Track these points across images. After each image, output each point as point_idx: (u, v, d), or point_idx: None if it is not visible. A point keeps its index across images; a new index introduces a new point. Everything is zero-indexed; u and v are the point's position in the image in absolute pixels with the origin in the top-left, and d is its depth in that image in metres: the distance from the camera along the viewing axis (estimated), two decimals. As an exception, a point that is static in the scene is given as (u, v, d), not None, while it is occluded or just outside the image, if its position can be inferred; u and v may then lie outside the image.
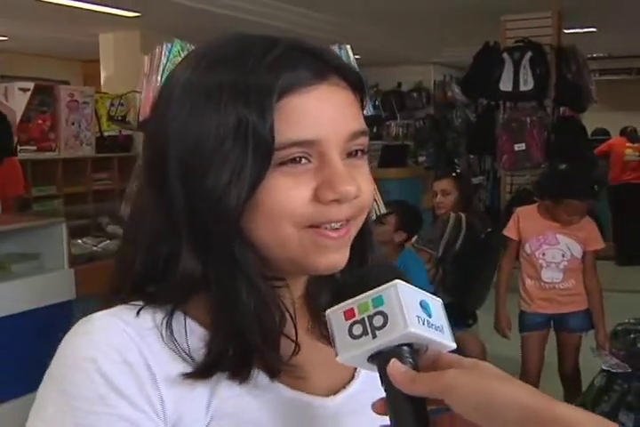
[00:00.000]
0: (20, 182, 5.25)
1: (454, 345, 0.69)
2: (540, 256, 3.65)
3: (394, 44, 9.89)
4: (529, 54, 6.80)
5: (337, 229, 0.74)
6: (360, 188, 0.73)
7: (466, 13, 7.66)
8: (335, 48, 2.24)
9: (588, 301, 3.70)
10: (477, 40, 7.39)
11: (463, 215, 4.48)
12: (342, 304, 0.69)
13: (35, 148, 6.50)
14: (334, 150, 0.72)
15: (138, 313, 0.72)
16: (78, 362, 0.68)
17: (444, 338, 0.68)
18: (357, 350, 0.67)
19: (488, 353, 4.12)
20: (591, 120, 8.71)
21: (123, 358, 0.69)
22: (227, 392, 0.72)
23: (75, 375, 0.68)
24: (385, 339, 0.66)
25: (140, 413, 0.68)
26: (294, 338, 0.77)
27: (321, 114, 0.71)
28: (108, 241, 4.66)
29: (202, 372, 0.71)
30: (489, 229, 4.61)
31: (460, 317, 4.13)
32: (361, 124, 0.75)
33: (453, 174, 4.73)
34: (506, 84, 6.84)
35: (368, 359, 0.68)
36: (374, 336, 0.66)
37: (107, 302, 0.75)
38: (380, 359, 0.67)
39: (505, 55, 6.93)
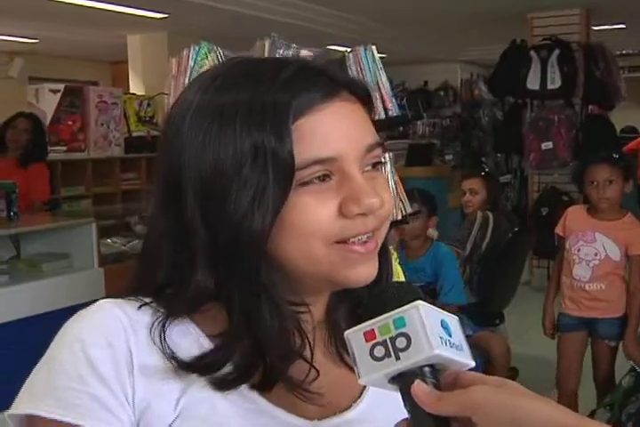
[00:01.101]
0: (45, 188, 5.31)
1: (473, 363, 0.69)
2: (575, 252, 3.61)
3: (420, 42, 9.86)
4: (556, 52, 6.75)
5: (365, 242, 0.75)
6: (383, 199, 0.74)
7: (493, 11, 7.62)
8: (360, 49, 2.25)
9: (627, 305, 3.59)
10: (504, 38, 7.35)
11: (491, 214, 4.47)
12: (362, 325, 0.68)
13: (64, 148, 6.57)
14: (354, 165, 0.73)
15: (140, 307, 0.76)
16: (68, 342, 0.73)
17: (464, 357, 0.68)
18: (380, 372, 0.66)
19: (519, 354, 4.09)
20: (620, 118, 8.62)
21: (108, 342, 0.72)
22: (199, 393, 0.73)
23: (63, 354, 0.73)
24: (409, 361, 0.65)
25: (112, 395, 0.71)
26: (310, 361, 0.77)
27: (337, 130, 0.72)
28: (136, 241, 4.71)
29: (186, 369, 0.73)
30: (516, 229, 4.59)
31: (486, 316, 4.11)
32: (375, 137, 0.76)
33: (482, 173, 4.72)
34: (533, 83, 6.79)
35: (389, 381, 0.68)
36: (397, 358, 0.66)
37: (124, 296, 0.78)
38: (402, 381, 0.67)
39: (532, 53, 6.88)
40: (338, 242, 0.73)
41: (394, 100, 2.26)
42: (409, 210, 2.32)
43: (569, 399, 3.64)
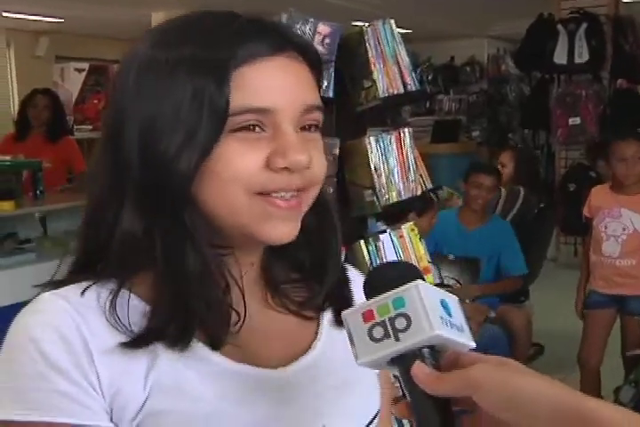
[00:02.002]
0: (82, 159, 5.36)
1: (474, 344, 0.68)
2: (603, 229, 3.58)
3: (447, 18, 9.73)
4: (584, 25, 6.62)
5: (287, 199, 0.75)
6: (312, 159, 0.74)
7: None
8: (379, 23, 2.21)
9: None
10: (531, 12, 7.21)
11: (522, 189, 4.43)
12: (359, 306, 0.67)
13: (90, 127, 6.61)
14: (288, 121, 0.74)
15: (83, 293, 0.74)
16: (21, 342, 0.72)
17: (465, 338, 0.67)
18: (379, 354, 0.65)
19: (544, 331, 4.06)
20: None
21: (61, 336, 0.71)
22: (166, 366, 0.73)
23: (18, 355, 0.71)
24: (409, 342, 0.64)
25: (77, 387, 0.70)
26: (241, 308, 0.77)
27: (276, 84, 0.73)
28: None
29: (139, 341, 0.72)
30: (542, 205, 4.54)
31: (511, 293, 4.09)
32: (316, 99, 0.77)
33: (510, 146, 4.69)
34: (560, 57, 6.68)
35: (388, 362, 0.66)
36: (397, 339, 0.64)
37: (65, 282, 0.77)
38: (401, 362, 0.65)
39: (559, 27, 6.75)
40: (260, 193, 0.74)
41: (413, 75, 2.23)
42: (429, 186, 2.30)
43: (592, 376, 3.63)
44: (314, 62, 0.78)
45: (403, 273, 0.69)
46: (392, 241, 2.25)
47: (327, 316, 0.87)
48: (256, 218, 0.74)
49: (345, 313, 0.68)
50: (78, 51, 10.26)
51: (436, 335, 0.63)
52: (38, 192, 4.36)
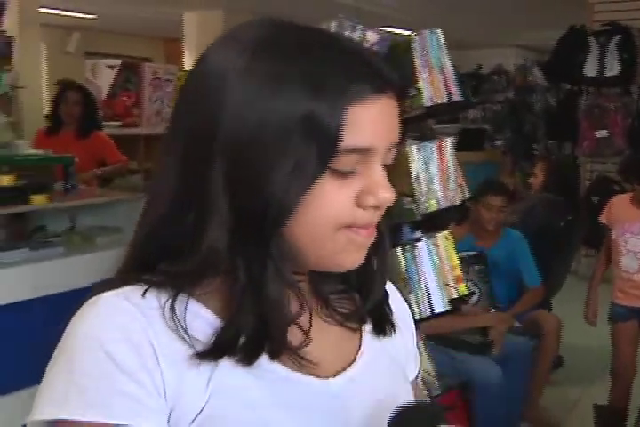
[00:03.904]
0: (117, 151, 5.39)
1: None
2: (622, 244, 3.57)
3: (476, 26, 9.71)
4: (616, 38, 6.58)
5: (367, 229, 0.76)
6: (394, 194, 0.76)
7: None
8: (426, 33, 2.21)
9: None
10: (562, 23, 7.18)
11: (548, 196, 4.41)
12: None
13: (119, 123, 6.64)
14: (379, 159, 0.74)
15: (143, 294, 0.74)
16: (85, 342, 0.71)
17: None
18: None
19: (565, 343, 4.05)
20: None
21: (126, 336, 0.71)
22: (225, 372, 0.73)
23: (82, 355, 0.71)
24: None
25: (141, 388, 0.70)
26: (307, 328, 0.79)
27: (380, 125, 0.73)
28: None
29: (211, 354, 0.72)
30: (568, 217, 4.52)
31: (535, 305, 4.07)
32: (399, 136, 0.77)
33: (540, 156, 4.68)
34: (590, 69, 6.65)
35: None
36: None
37: (120, 281, 0.76)
38: None
39: (591, 39, 6.72)
40: (345, 227, 0.75)
41: (457, 85, 2.23)
42: (467, 196, 2.30)
43: (623, 390, 3.61)
44: (401, 95, 0.78)
45: (427, 418, 0.70)
46: (428, 249, 2.25)
47: (367, 327, 0.88)
48: (337, 250, 0.75)
49: None
50: (109, 47, 10.35)
51: None
52: (69, 187, 4.38)
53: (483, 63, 11.39)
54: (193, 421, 0.71)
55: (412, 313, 2.23)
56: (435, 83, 2.16)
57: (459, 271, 2.36)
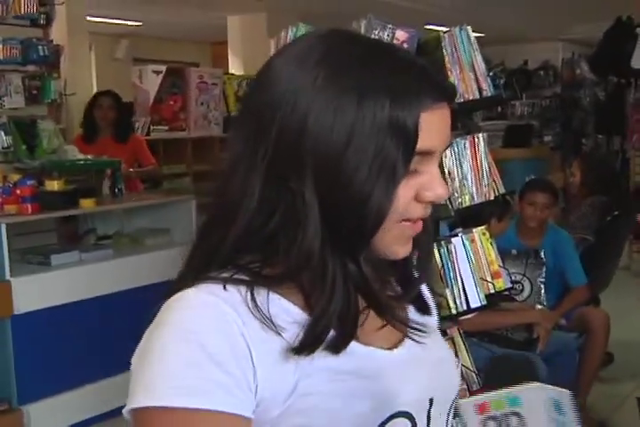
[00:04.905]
0: (150, 155, 5.49)
1: None
2: None
3: (521, 20, 9.60)
4: (664, 29, 6.47)
5: (417, 222, 0.84)
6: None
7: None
8: (456, 30, 2.23)
9: None
10: (609, 16, 7.08)
11: (602, 198, 4.36)
12: (475, 397, 0.69)
13: (166, 128, 6.75)
14: (437, 159, 0.84)
15: (224, 287, 0.78)
16: (178, 334, 0.75)
17: None
18: None
19: (615, 340, 3.99)
20: None
21: (219, 328, 0.75)
22: (310, 364, 0.78)
23: (176, 346, 0.74)
24: None
25: (233, 379, 0.74)
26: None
27: (441, 129, 0.82)
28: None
29: (306, 348, 0.77)
30: (615, 213, 4.46)
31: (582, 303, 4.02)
32: (451, 139, 0.87)
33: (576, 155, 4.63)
34: (638, 61, 6.53)
35: None
36: None
37: (195, 279, 0.80)
38: None
39: (638, 30, 6.61)
40: (403, 220, 0.82)
41: (488, 81, 2.24)
42: (502, 191, 2.30)
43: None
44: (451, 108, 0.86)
45: (523, 371, 0.70)
46: (464, 245, 2.26)
47: (412, 308, 0.96)
48: (392, 240, 0.83)
49: (461, 402, 0.69)
50: (155, 53, 10.51)
51: None
52: (117, 190, 4.49)
53: (530, 58, 11.24)
54: (286, 401, 0.76)
55: (449, 307, 2.26)
56: (465, 79, 2.17)
57: (496, 266, 2.36)
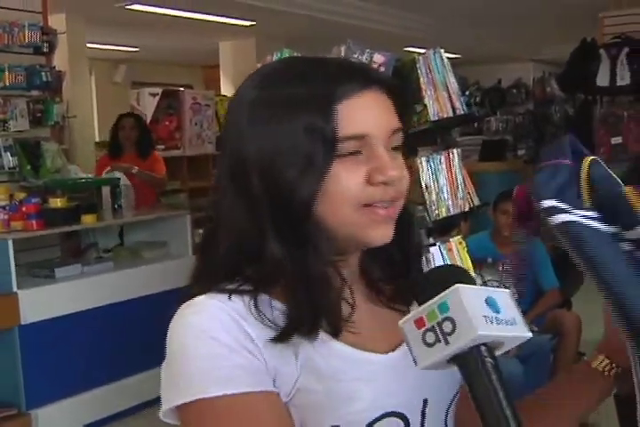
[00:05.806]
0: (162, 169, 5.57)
1: (529, 334, 0.68)
2: None
3: (495, 43, 9.71)
4: (626, 50, 6.54)
5: (386, 208, 0.84)
6: (402, 173, 0.85)
7: (565, 12, 7.44)
8: (430, 53, 2.26)
9: None
10: (577, 37, 7.16)
11: None
12: (411, 314, 0.69)
13: (163, 147, 6.77)
14: (380, 143, 0.83)
15: (229, 297, 0.82)
16: (192, 333, 0.79)
17: (517, 331, 0.67)
18: (434, 358, 0.67)
19: (587, 341, 4.00)
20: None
21: (224, 327, 0.79)
22: (307, 350, 0.81)
23: (193, 342, 0.78)
24: (457, 344, 0.65)
25: (250, 362, 0.78)
26: (352, 302, 0.86)
27: (367, 114, 0.83)
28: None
29: (282, 335, 0.80)
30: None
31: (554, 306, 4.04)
32: (399, 123, 0.86)
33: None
34: (602, 80, 6.60)
35: (448, 361, 0.68)
36: (447, 343, 0.65)
37: (202, 288, 0.84)
38: (459, 361, 0.67)
39: (602, 51, 6.68)
40: (365, 206, 0.83)
41: (461, 100, 2.27)
42: (477, 202, 2.32)
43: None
44: (394, 94, 0.88)
45: (449, 277, 0.71)
46: (441, 254, 2.28)
47: (413, 308, 0.95)
48: (362, 226, 0.83)
49: (401, 323, 0.70)
50: (152, 76, 10.54)
51: (479, 336, 0.64)
52: (117, 206, 4.50)
53: (503, 77, 11.34)
54: (288, 394, 0.80)
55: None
56: (440, 99, 2.20)
57: (472, 274, 2.38)
